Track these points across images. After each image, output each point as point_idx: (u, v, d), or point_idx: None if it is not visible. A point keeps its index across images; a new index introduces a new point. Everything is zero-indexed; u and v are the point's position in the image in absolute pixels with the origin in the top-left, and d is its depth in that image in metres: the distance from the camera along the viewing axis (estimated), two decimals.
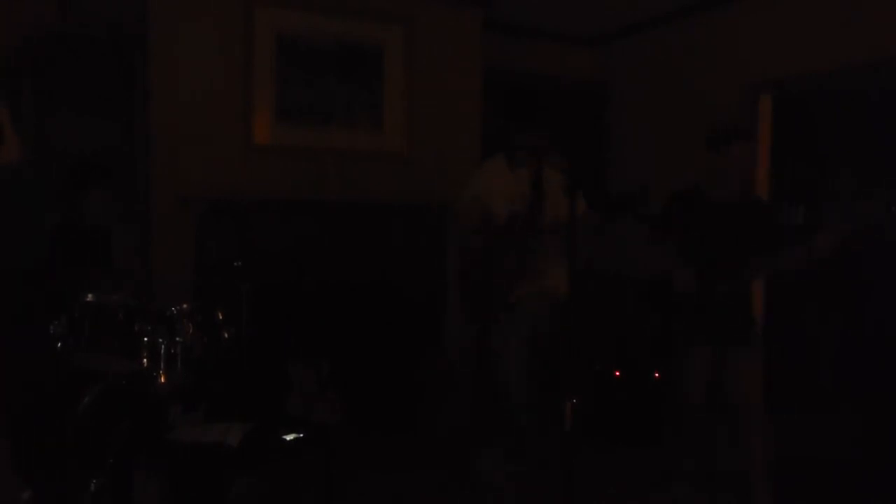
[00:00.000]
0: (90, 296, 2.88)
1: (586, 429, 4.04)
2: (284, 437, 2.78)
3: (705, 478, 3.13)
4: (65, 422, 2.65)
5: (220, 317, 2.97)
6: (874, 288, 4.00)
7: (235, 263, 3.58)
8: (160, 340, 2.73)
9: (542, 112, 5.75)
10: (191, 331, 2.82)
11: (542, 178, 3.21)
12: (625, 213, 2.71)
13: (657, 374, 4.14)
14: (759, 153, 4.52)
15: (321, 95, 4.67)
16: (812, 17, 4.31)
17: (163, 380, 2.70)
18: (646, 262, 3.29)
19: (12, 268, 3.76)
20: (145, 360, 2.75)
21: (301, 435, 2.80)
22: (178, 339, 2.76)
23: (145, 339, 2.76)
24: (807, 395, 3.15)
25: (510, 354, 3.29)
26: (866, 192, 2.68)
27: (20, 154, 2.68)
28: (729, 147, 2.96)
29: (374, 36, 4.81)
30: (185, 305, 2.85)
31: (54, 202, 3.72)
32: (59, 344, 2.85)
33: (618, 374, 4.22)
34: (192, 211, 4.26)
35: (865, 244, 2.70)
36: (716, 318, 2.92)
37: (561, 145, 3.21)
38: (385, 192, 4.79)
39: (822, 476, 3.38)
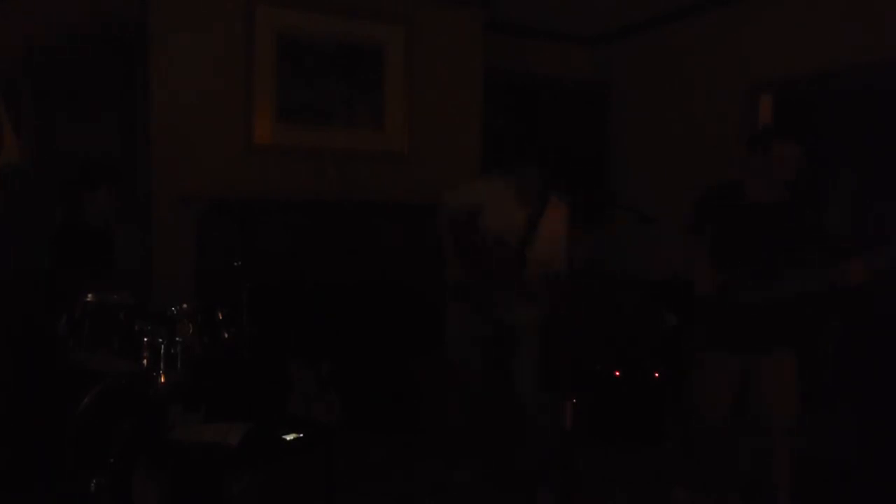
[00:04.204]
0: (90, 296, 2.88)
1: (587, 429, 4.05)
2: (284, 437, 2.78)
3: (710, 480, 3.13)
4: (65, 422, 2.65)
5: (220, 317, 2.97)
6: (873, 287, 3.99)
7: (235, 263, 3.58)
8: (160, 340, 2.73)
9: (543, 112, 5.77)
10: (191, 331, 2.81)
11: (539, 222, 3.25)
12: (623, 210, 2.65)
13: (657, 374, 4.14)
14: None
15: (321, 95, 4.68)
16: (812, 16, 4.32)
17: (163, 380, 2.70)
18: (654, 260, 3.28)
19: (15, 268, 3.76)
20: (145, 360, 2.75)
21: (301, 435, 2.80)
22: (178, 339, 2.76)
23: (145, 339, 2.76)
24: (807, 395, 3.14)
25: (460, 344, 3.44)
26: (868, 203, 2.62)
27: (20, 155, 2.68)
28: (769, 148, 2.87)
29: (374, 36, 4.81)
30: (185, 305, 2.85)
31: (56, 202, 3.72)
32: (59, 344, 2.86)
33: (618, 374, 4.22)
34: (192, 211, 4.26)
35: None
36: (746, 324, 2.85)
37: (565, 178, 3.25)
38: (385, 192, 4.79)
39: (822, 476, 3.38)
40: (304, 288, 4.41)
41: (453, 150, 5.05)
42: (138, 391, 2.73)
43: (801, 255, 2.76)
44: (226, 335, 2.97)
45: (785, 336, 2.90)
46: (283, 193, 4.52)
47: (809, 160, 2.92)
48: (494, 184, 3.37)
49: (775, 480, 2.93)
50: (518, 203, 3.28)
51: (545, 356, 3.34)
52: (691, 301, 2.98)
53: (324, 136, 4.70)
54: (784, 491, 2.93)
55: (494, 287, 3.23)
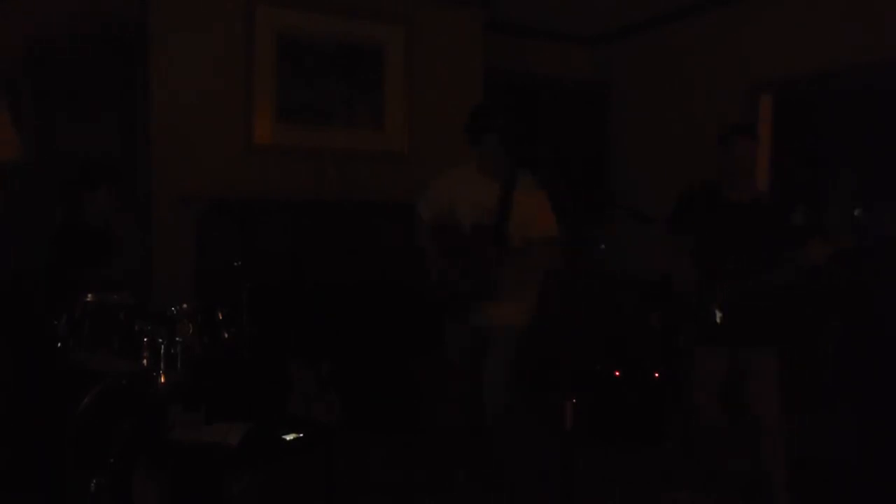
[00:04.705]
0: (90, 296, 2.88)
1: (587, 429, 4.04)
2: (284, 437, 2.78)
3: (710, 480, 3.13)
4: (65, 422, 2.65)
5: (220, 317, 2.97)
6: (873, 287, 3.99)
7: (235, 263, 3.58)
8: (160, 340, 2.73)
9: (543, 112, 5.76)
10: (191, 331, 2.81)
11: (513, 193, 3.12)
12: (621, 212, 2.69)
13: (657, 374, 4.14)
14: (759, 153, 4.53)
15: (321, 95, 4.68)
16: (812, 16, 4.32)
17: (163, 380, 2.70)
18: (654, 260, 3.30)
19: (15, 268, 3.76)
20: (145, 360, 2.75)
21: (301, 435, 2.80)
22: (178, 339, 2.76)
23: (145, 339, 2.76)
24: (807, 395, 3.15)
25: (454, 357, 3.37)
26: (868, 203, 2.69)
27: (18, 152, 2.68)
28: (733, 142, 2.95)
29: (374, 36, 4.81)
30: (185, 305, 2.85)
31: (56, 202, 3.73)
32: (59, 344, 2.86)
33: (618, 374, 4.22)
34: (192, 211, 4.25)
35: (864, 254, 2.69)
36: (730, 319, 2.89)
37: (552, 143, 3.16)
38: (385, 192, 4.79)
39: (822, 476, 3.38)
40: (304, 288, 4.41)
41: (453, 150, 5.03)
42: (138, 391, 2.73)
43: (779, 251, 2.80)
44: (226, 335, 2.97)
45: (766, 334, 2.93)
46: (283, 193, 4.52)
47: (808, 159, 2.95)
48: (461, 172, 3.32)
49: (772, 479, 2.94)
50: (488, 180, 3.18)
51: (522, 363, 3.27)
52: (678, 300, 3.00)
53: (324, 136, 4.70)
54: (783, 492, 2.93)
55: (473, 280, 3.12)
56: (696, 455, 3.17)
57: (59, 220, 3.62)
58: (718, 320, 3.00)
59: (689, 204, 3.11)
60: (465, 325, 3.25)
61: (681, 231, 3.09)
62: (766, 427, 2.93)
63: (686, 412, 3.24)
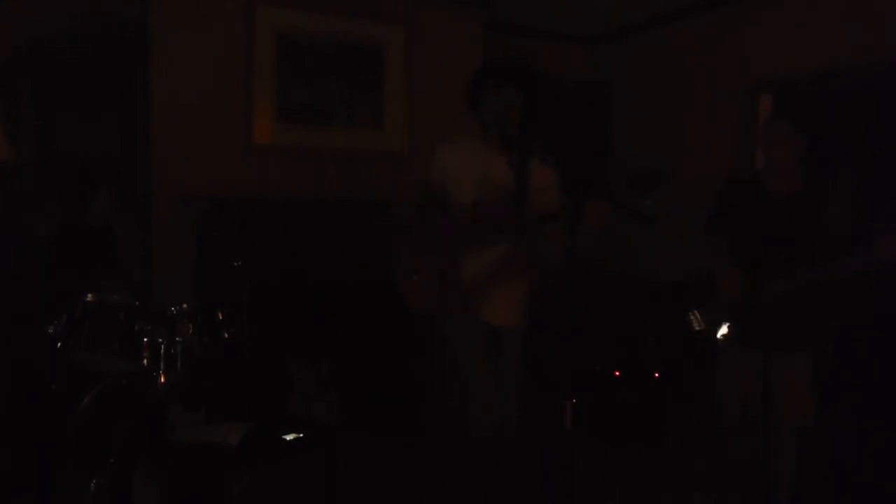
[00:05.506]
0: (90, 296, 2.88)
1: (587, 429, 4.05)
2: (284, 437, 2.78)
3: (710, 480, 3.12)
4: (65, 422, 2.65)
5: (220, 317, 2.97)
6: (873, 287, 3.99)
7: (235, 263, 3.58)
8: (160, 340, 2.74)
9: (543, 112, 5.75)
10: (191, 331, 2.82)
11: (529, 169, 2.72)
12: (628, 208, 2.59)
13: (657, 374, 4.14)
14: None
15: (321, 95, 4.68)
16: (812, 16, 4.32)
17: (163, 380, 2.71)
18: (654, 260, 3.25)
19: (15, 268, 3.77)
20: (145, 360, 2.75)
21: (301, 435, 2.80)
22: (178, 339, 2.76)
23: (145, 339, 2.76)
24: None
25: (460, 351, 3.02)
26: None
27: (6, 152, 2.68)
28: (769, 128, 2.81)
29: (374, 36, 4.81)
30: (185, 305, 2.85)
31: (56, 202, 3.73)
32: (59, 344, 2.86)
33: (618, 374, 4.22)
34: (192, 211, 4.25)
35: None
36: (766, 320, 2.78)
37: (552, 141, 2.90)
38: (385, 192, 4.79)
39: (822, 476, 3.38)
40: (304, 288, 4.41)
41: None
42: (138, 391, 2.74)
43: (823, 251, 2.68)
44: (226, 335, 2.98)
45: (803, 336, 2.86)
46: (283, 193, 4.52)
47: (808, 159, 2.90)
48: (462, 145, 3.02)
49: (778, 480, 2.93)
50: (494, 155, 2.79)
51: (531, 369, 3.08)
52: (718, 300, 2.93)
53: (324, 136, 4.70)
54: (784, 491, 2.93)
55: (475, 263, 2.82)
56: (707, 454, 3.13)
57: (59, 220, 3.62)
58: (697, 327, 2.93)
59: (728, 200, 2.96)
60: (474, 323, 2.92)
61: (718, 231, 2.97)
62: (791, 429, 2.88)
63: (708, 412, 3.17)
